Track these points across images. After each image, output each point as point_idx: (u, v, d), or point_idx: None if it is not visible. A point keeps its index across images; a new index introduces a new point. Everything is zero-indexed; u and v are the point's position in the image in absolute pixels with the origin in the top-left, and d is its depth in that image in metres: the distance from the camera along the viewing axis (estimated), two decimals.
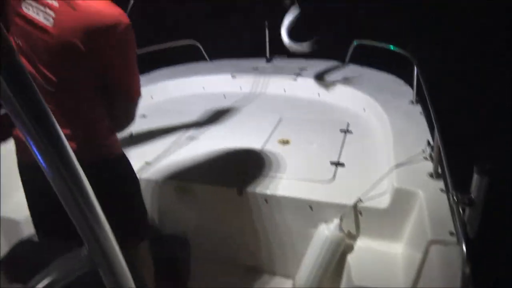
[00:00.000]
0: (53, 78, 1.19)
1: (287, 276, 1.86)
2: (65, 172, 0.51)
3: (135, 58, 1.30)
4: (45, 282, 0.56)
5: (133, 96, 1.35)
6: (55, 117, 0.50)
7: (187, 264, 1.88)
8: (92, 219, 0.55)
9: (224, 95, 3.09)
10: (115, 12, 1.17)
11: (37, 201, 1.38)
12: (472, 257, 0.99)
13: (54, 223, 1.34)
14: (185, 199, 1.93)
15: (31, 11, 1.19)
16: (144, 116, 2.77)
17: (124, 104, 1.36)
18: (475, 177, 1.13)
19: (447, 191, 1.47)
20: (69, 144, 0.52)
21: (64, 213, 0.55)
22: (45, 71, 1.19)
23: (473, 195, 1.13)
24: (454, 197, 1.15)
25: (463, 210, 1.14)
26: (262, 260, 1.92)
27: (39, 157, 0.49)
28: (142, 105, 2.89)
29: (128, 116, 1.40)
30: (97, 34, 1.14)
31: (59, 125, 0.50)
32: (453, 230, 1.31)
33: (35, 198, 1.39)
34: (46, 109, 0.49)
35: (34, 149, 0.49)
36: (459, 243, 1.09)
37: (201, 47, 3.60)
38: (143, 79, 3.25)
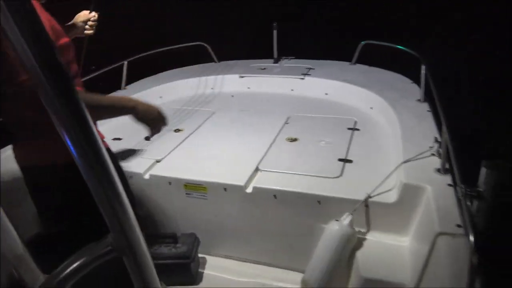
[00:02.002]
0: None
1: (296, 270, 1.88)
2: (100, 169, 0.55)
3: None
4: (73, 266, 0.59)
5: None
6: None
7: (196, 261, 1.92)
8: (120, 211, 0.58)
9: (232, 95, 3.13)
10: None
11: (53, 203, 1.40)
12: (479, 248, 1.01)
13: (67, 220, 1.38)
14: (194, 195, 1.97)
15: None
16: None
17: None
18: (483, 170, 1.15)
19: (454, 185, 1.49)
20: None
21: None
22: None
23: (481, 188, 1.16)
24: (462, 190, 1.17)
25: (471, 203, 1.16)
26: (272, 255, 1.95)
27: (76, 156, 0.53)
28: None
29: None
30: None
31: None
32: (460, 222, 1.33)
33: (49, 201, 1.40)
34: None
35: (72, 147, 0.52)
36: (466, 235, 1.11)
37: (209, 48, 3.64)
38: (152, 79, 3.34)
